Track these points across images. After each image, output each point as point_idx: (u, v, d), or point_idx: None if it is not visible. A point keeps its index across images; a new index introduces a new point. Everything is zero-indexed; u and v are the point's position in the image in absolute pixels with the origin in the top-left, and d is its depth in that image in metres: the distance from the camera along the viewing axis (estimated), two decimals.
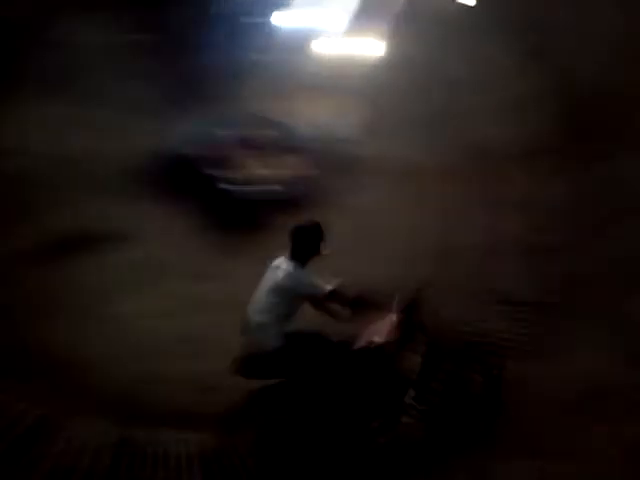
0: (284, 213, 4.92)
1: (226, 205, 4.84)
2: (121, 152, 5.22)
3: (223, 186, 4.82)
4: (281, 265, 3.35)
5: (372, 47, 5.10)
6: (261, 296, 3.34)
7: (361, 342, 3.28)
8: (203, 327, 4.24)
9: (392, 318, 3.27)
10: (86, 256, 4.61)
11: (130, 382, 3.86)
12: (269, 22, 5.33)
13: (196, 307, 4.42)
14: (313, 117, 5.64)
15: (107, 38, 6.00)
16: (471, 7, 5.97)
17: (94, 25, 6.00)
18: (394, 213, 5.25)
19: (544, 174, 5.60)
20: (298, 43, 5.38)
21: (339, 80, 5.43)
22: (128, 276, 4.55)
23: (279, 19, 5.34)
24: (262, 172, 5.06)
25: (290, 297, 3.32)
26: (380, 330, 3.24)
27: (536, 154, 5.74)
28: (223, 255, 4.81)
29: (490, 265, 4.83)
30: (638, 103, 5.20)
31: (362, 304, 3.32)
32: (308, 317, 3.39)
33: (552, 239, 4.92)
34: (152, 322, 4.28)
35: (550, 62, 6.15)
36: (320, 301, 3.33)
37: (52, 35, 5.90)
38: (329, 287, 3.24)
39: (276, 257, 3.39)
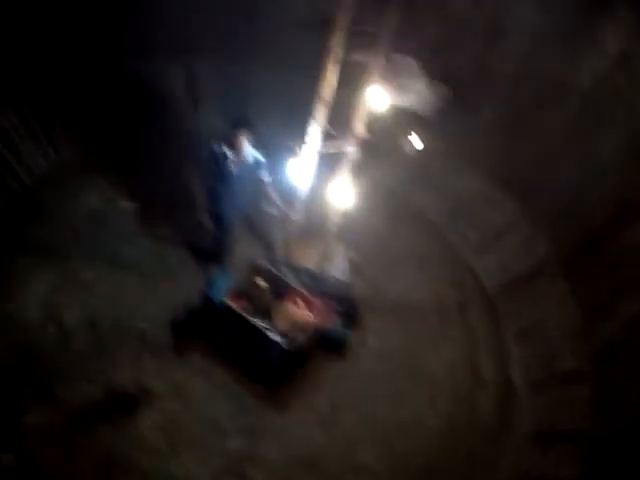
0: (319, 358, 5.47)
1: (275, 355, 5.03)
2: (160, 310, 5.44)
3: (272, 336, 4.98)
4: None
5: (343, 187, 5.34)
6: None
7: None
8: None
9: None
10: (144, 415, 4.81)
11: None
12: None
13: (254, 465, 4.67)
14: (308, 263, 6.02)
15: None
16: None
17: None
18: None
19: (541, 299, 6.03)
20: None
21: (321, 224, 5.75)
22: (182, 434, 4.75)
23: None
24: (301, 320, 5.28)
25: None
26: None
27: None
28: (273, 406, 5.10)
29: None
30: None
31: None
32: None
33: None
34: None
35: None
36: None
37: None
38: None
39: None
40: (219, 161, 5.20)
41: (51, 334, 5.10)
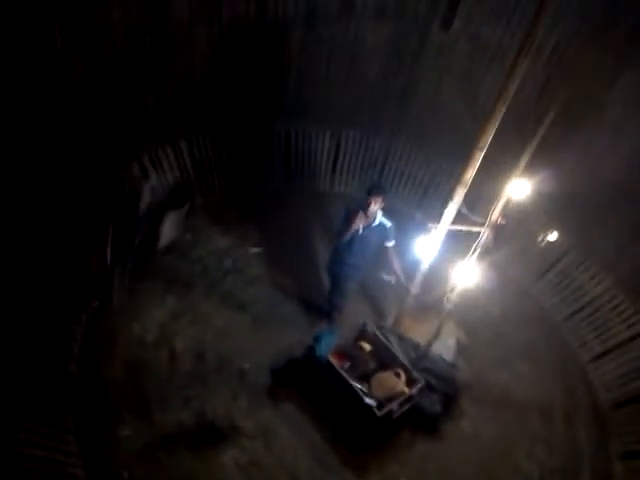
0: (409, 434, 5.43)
1: (366, 420, 5.04)
2: (264, 353, 5.71)
3: (366, 400, 5.02)
4: None
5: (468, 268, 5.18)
6: None
7: None
8: None
9: None
10: (228, 450, 4.99)
11: None
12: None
13: None
14: (419, 338, 5.97)
15: None
16: None
17: None
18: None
19: None
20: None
21: (438, 301, 5.61)
22: (260, 476, 4.85)
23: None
24: (398, 391, 5.25)
25: None
26: None
27: None
28: (353, 471, 5.09)
29: None
30: None
31: None
32: None
33: None
34: None
35: None
36: None
37: None
38: None
39: None
40: (349, 219, 5.40)
41: (162, 356, 5.44)
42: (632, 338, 6.26)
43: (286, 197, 7.37)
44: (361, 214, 5.27)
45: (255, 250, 6.72)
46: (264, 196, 7.32)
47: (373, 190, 5.31)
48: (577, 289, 6.85)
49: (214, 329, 5.76)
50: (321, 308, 6.11)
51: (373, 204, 5.25)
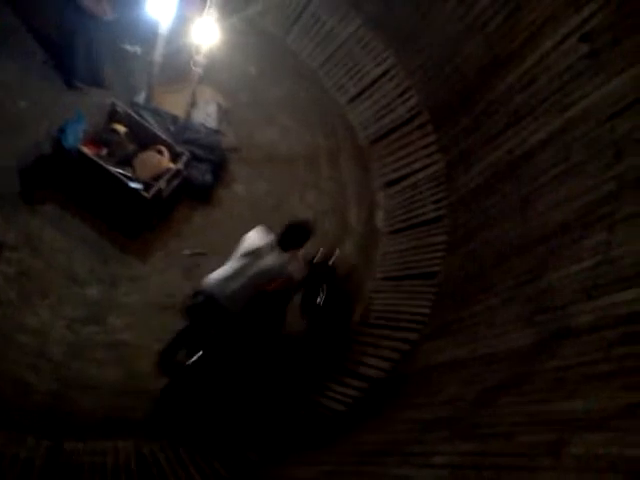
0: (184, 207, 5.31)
1: (136, 203, 4.78)
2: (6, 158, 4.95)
3: (131, 185, 4.71)
4: (265, 248, 4.01)
5: (210, 24, 4.86)
6: (235, 268, 3.99)
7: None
8: (123, 331, 4.48)
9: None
10: None
11: (54, 392, 4.01)
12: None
13: (114, 312, 4.57)
14: (176, 109, 5.63)
15: None
16: None
17: None
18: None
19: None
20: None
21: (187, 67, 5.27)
22: (35, 285, 4.51)
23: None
24: (164, 168, 5.01)
25: (269, 278, 4.02)
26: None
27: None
28: (135, 255, 4.95)
29: None
30: None
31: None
32: None
33: None
34: (71, 329, 4.36)
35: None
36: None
37: None
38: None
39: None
40: None
41: None
42: (383, 74, 6.55)
43: None
44: None
45: None
46: None
47: None
48: (328, 33, 6.81)
49: None
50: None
51: None
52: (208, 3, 4.86)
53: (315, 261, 4.55)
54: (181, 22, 4.99)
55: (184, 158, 5.11)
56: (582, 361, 2.76)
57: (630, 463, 1.99)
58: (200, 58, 5.19)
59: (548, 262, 3.62)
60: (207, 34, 4.99)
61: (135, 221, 4.98)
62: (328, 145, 6.29)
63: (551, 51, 4.68)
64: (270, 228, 4.16)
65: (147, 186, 4.82)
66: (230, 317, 4.06)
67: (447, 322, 4.33)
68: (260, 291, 4.08)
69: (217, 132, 5.75)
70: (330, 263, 4.66)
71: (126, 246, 4.92)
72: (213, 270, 4.07)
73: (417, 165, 5.93)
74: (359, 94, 6.62)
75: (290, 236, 4.08)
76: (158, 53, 5.13)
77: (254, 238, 4.08)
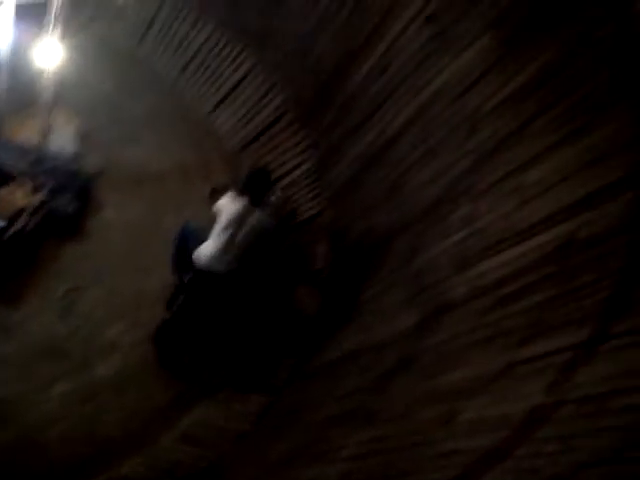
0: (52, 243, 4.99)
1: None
2: None
3: None
4: (244, 211, 4.33)
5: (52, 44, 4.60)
6: (225, 240, 4.29)
7: None
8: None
9: None
10: None
11: None
12: None
13: None
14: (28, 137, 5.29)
15: None
16: None
17: None
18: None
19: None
20: None
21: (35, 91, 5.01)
22: None
23: None
24: (25, 203, 4.78)
25: (260, 236, 4.41)
26: None
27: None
28: (4, 303, 4.62)
29: None
30: None
31: None
32: None
33: None
34: None
35: None
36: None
37: None
38: None
39: None
40: None
41: None
42: (243, 77, 6.49)
43: None
44: None
45: None
46: None
47: None
48: (182, 40, 6.66)
49: None
50: None
51: None
52: (50, 22, 4.60)
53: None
54: (21, 45, 4.67)
55: (45, 188, 4.81)
56: (461, 331, 2.86)
57: (514, 418, 2.08)
58: (49, 81, 4.90)
59: (422, 242, 3.74)
60: (53, 55, 4.72)
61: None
62: (197, 157, 6.15)
63: (399, 36, 4.82)
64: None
65: (8, 225, 4.50)
66: (226, 283, 4.44)
67: (339, 315, 4.37)
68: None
69: (78, 157, 5.45)
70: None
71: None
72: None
73: (289, 165, 5.93)
74: (222, 100, 6.52)
75: (257, 186, 4.50)
76: (1, 82, 4.78)
77: (229, 206, 4.37)
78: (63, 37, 4.73)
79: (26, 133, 5.32)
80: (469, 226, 3.35)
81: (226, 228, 4.32)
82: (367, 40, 5.17)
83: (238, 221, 4.33)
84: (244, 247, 4.38)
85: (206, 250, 4.36)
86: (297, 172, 5.91)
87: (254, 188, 4.48)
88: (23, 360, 4.33)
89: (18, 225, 4.52)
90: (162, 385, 4.57)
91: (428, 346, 2.92)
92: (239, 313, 4.80)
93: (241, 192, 4.48)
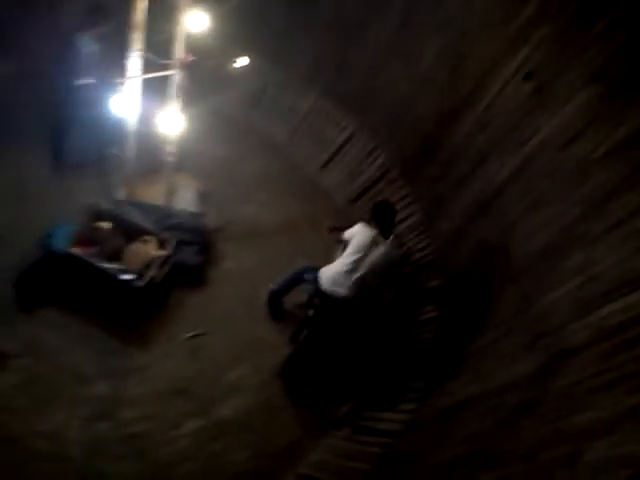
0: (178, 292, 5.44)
1: (131, 295, 4.91)
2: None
3: (122, 277, 4.85)
4: (376, 238, 4.72)
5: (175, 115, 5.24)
6: (353, 261, 4.64)
7: None
8: (136, 423, 4.47)
9: None
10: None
11: None
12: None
13: (125, 405, 4.56)
14: (155, 198, 5.85)
15: None
16: None
17: None
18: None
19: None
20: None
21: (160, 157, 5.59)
22: (43, 389, 4.47)
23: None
24: (153, 257, 5.17)
25: (386, 266, 4.75)
26: None
27: None
28: (137, 346, 5.00)
29: None
30: None
31: None
32: None
33: None
34: (86, 428, 4.33)
35: None
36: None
37: None
38: None
39: None
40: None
41: None
42: (348, 139, 6.90)
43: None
44: None
45: None
46: None
47: None
48: (290, 108, 7.18)
49: None
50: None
51: None
52: (172, 95, 5.17)
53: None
54: (147, 116, 5.23)
55: (171, 244, 5.26)
56: (585, 375, 2.89)
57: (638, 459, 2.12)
58: (171, 147, 5.45)
59: (537, 288, 3.79)
60: (175, 124, 5.27)
61: (132, 312, 5.06)
62: (306, 211, 6.52)
63: (499, 93, 5.03)
64: None
65: (139, 276, 4.93)
66: (349, 305, 4.70)
67: (454, 362, 4.43)
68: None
69: (199, 215, 5.94)
70: None
71: (127, 338, 4.97)
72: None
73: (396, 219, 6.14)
74: (328, 161, 6.93)
75: (386, 217, 4.85)
76: (130, 149, 5.36)
77: (362, 232, 4.74)
78: (184, 108, 5.31)
79: (153, 194, 5.89)
80: (585, 272, 3.38)
81: (357, 251, 4.65)
82: (468, 98, 5.40)
83: (370, 246, 4.67)
84: (370, 271, 4.65)
85: (331, 270, 4.71)
86: (403, 226, 6.11)
87: (383, 219, 4.82)
88: (154, 399, 4.66)
89: (148, 276, 4.95)
90: (284, 425, 4.77)
91: (551, 389, 2.95)
92: (360, 346, 5.04)
93: (369, 223, 4.81)
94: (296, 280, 5.39)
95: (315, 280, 4.81)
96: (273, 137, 7.20)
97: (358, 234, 4.74)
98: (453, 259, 5.36)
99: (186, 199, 6.09)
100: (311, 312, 4.88)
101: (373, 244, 4.68)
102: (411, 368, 4.97)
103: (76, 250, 4.93)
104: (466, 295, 4.92)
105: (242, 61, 5.42)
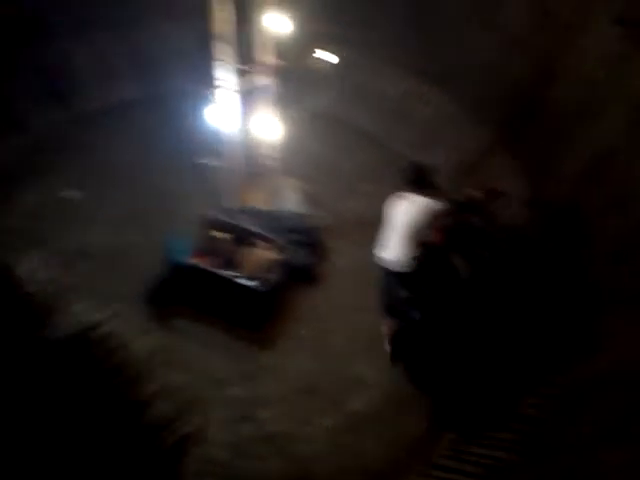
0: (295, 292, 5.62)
1: (252, 299, 5.15)
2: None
3: (244, 283, 5.11)
4: (409, 206, 4.65)
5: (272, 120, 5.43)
6: (399, 237, 4.69)
7: None
8: (274, 422, 4.69)
9: None
10: (143, 387, 4.66)
11: None
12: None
13: (260, 405, 4.80)
14: (264, 203, 6.08)
15: None
16: None
17: None
18: None
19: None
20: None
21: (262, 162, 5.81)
22: (182, 397, 4.69)
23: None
24: (267, 260, 5.40)
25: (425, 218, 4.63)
26: None
27: None
28: (263, 347, 5.23)
29: None
30: None
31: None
32: None
33: None
34: (227, 430, 4.59)
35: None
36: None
37: None
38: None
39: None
40: None
41: None
42: (444, 117, 6.75)
43: None
44: None
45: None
46: None
47: None
48: (382, 95, 7.18)
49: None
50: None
51: None
52: (269, 101, 5.32)
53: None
54: (247, 123, 5.41)
55: (285, 247, 5.42)
56: None
57: None
58: (272, 152, 5.60)
59: None
60: (273, 129, 5.42)
61: (256, 315, 5.29)
62: None
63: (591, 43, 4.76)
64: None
65: (261, 281, 5.14)
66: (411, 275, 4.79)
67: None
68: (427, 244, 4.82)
69: (307, 215, 6.07)
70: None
71: (253, 340, 5.21)
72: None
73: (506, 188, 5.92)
74: (428, 143, 6.81)
75: (416, 177, 4.69)
76: (235, 158, 5.57)
77: (397, 208, 4.74)
78: (280, 112, 5.44)
79: (260, 199, 6.09)
80: None
81: (397, 225, 4.71)
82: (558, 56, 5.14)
83: (406, 216, 4.66)
84: (417, 237, 4.68)
85: (387, 248, 4.82)
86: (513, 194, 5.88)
87: (414, 178, 4.70)
88: (285, 397, 4.85)
89: (269, 281, 5.15)
90: (414, 415, 4.78)
91: None
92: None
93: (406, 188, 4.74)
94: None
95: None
96: (369, 128, 7.19)
97: (394, 208, 4.78)
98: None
99: (292, 200, 6.25)
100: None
101: (409, 210, 4.66)
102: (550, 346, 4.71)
103: (197, 261, 5.21)
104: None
105: (329, 58, 5.46)
